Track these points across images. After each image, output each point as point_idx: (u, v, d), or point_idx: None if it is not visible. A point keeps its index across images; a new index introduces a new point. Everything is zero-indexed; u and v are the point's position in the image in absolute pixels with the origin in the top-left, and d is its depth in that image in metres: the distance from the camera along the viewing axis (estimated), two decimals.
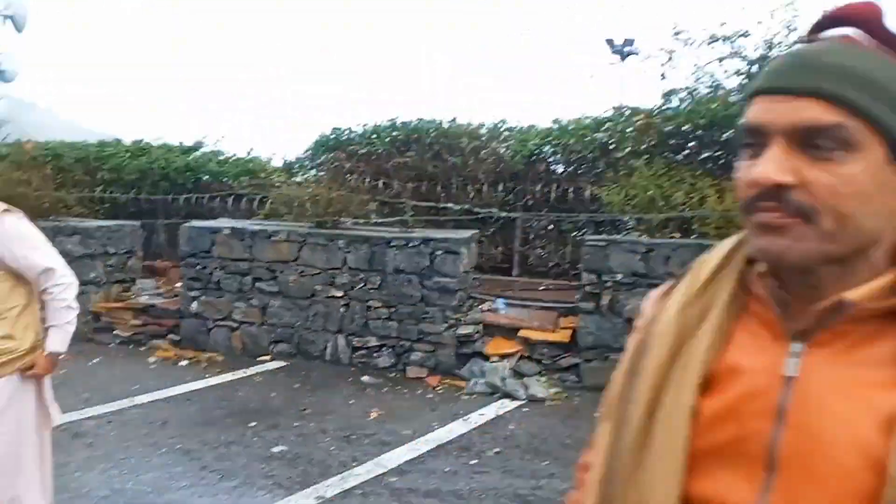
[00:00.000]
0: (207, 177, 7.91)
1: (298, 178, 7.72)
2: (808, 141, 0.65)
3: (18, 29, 10.09)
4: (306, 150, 7.82)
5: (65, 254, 7.21)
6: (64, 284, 2.59)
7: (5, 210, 2.52)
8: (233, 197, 7.56)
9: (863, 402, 0.65)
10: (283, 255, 6.01)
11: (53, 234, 6.89)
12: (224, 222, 6.52)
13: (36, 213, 7.16)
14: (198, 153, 8.36)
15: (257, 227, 6.18)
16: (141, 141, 8.68)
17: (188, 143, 8.60)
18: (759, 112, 0.68)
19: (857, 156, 0.65)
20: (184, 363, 6.01)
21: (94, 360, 6.04)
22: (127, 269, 7.02)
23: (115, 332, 6.55)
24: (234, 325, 6.19)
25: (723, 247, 0.80)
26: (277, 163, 8.13)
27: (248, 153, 8.32)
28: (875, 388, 0.65)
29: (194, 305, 6.30)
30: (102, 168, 7.95)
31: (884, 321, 0.67)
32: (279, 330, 6.06)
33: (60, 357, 2.65)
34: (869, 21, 0.69)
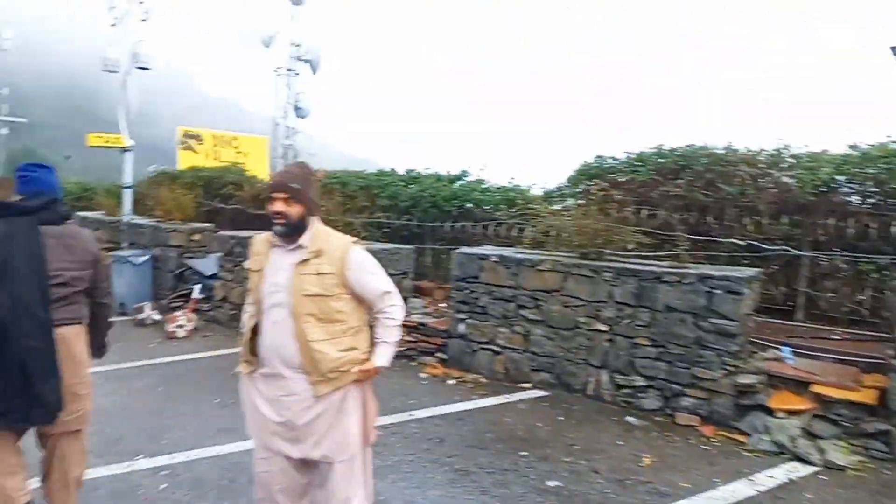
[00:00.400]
0: (471, 204, 8.32)
1: (557, 206, 7.78)
2: None
3: (313, 71, 11.57)
4: (567, 178, 7.86)
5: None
6: (398, 306, 2.88)
7: (354, 242, 2.88)
8: (494, 224, 7.87)
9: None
10: (548, 285, 6.08)
11: None
12: (490, 249, 6.78)
13: None
14: (462, 182, 8.84)
15: (523, 256, 6.32)
16: (413, 170, 9.42)
17: (454, 172, 9.14)
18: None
19: None
20: (451, 381, 6.33)
21: None
22: (402, 289, 7.61)
23: None
24: (498, 349, 6.38)
25: None
26: (537, 191, 8.28)
27: (510, 182, 8.60)
28: None
29: (461, 327, 6.62)
30: (381, 195, 8.74)
31: None
32: (541, 359, 6.12)
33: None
34: None
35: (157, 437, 4.88)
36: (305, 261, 2.79)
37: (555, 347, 6.04)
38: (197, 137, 33.21)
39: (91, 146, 10.20)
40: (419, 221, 8.48)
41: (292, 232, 2.80)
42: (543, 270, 6.11)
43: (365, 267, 2.87)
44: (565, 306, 5.97)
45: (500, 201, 8.15)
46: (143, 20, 9.73)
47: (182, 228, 9.44)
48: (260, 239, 3.02)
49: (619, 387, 5.64)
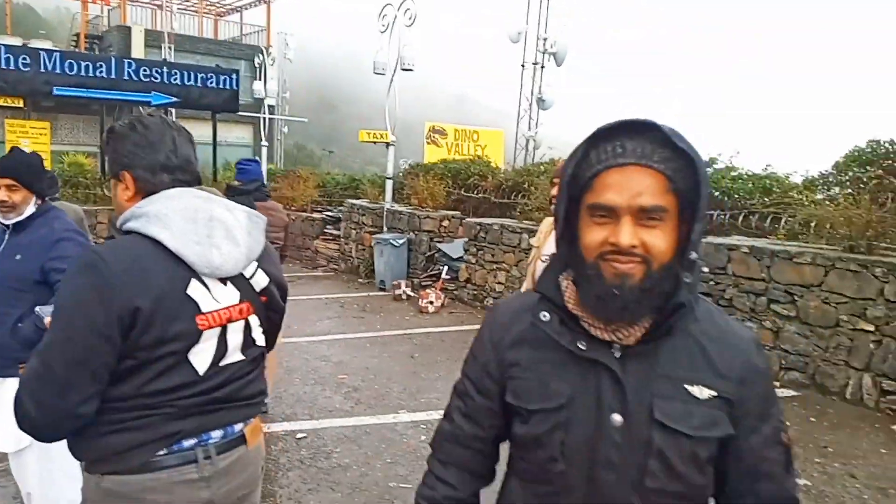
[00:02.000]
0: (720, 193, 7.99)
1: (820, 196, 7.17)
2: None
3: (558, 64, 11.85)
4: (833, 165, 7.20)
5: None
6: None
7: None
8: (743, 214, 7.48)
9: None
10: (806, 279, 5.69)
11: None
12: (740, 240, 6.50)
13: None
14: (710, 170, 8.51)
15: (778, 248, 5.98)
16: None
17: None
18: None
19: None
20: None
21: None
22: None
23: None
24: None
25: None
26: (797, 179, 7.69)
27: (765, 169, 8.09)
28: None
29: None
30: None
31: None
32: (792, 357, 5.76)
33: None
34: None
35: (416, 396, 5.55)
36: None
37: (809, 346, 5.65)
38: (441, 132, 35.44)
39: (362, 141, 11.57)
40: None
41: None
42: (802, 263, 5.73)
43: None
44: (825, 303, 5.55)
45: (752, 190, 7.72)
46: (408, 26, 10.78)
47: (434, 215, 10.34)
48: (546, 221, 3.61)
49: (886, 392, 5.12)
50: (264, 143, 16.23)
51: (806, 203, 6.22)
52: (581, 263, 1.11)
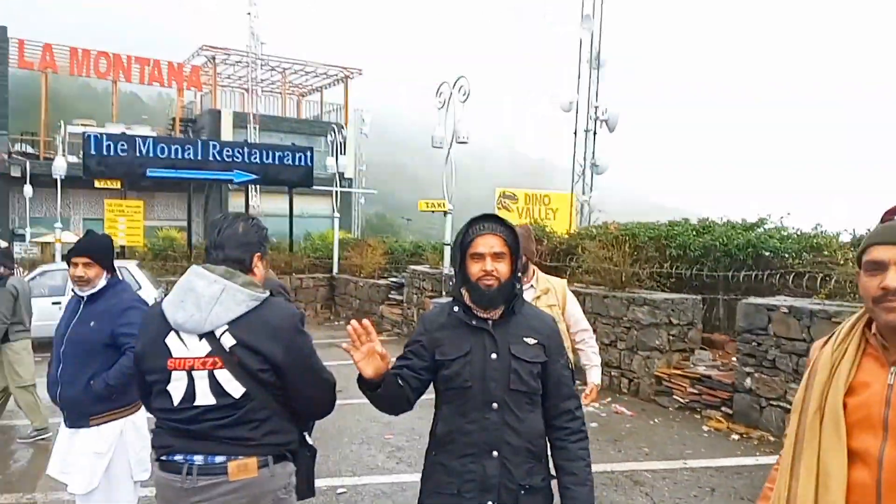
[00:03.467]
0: (768, 253, 7.95)
1: None
2: None
3: (611, 130, 12.15)
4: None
5: (635, 321, 8.12)
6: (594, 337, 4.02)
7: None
8: (793, 274, 7.41)
9: None
10: None
11: (627, 304, 8.06)
12: (781, 300, 6.47)
13: (615, 285, 8.55)
14: (760, 230, 8.49)
15: (817, 307, 5.94)
16: (707, 219, 9.31)
17: (751, 219, 8.81)
18: (880, 253, 1.51)
19: None
20: (735, 437, 6.15)
21: (655, 420, 6.75)
22: (687, 339, 7.63)
23: (673, 397, 7.17)
24: (788, 406, 6.02)
25: (852, 318, 1.65)
26: (847, 237, 7.58)
27: (815, 228, 8.01)
28: None
29: (748, 381, 6.40)
30: (671, 245, 8.83)
31: None
32: None
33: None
34: None
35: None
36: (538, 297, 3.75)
37: None
38: (512, 197, 35.98)
39: (421, 210, 12.15)
40: (710, 271, 8.36)
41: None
42: (840, 323, 5.66)
43: (572, 300, 3.98)
44: None
45: (799, 249, 7.65)
46: (462, 102, 11.41)
47: None
48: (560, 283, 4.08)
49: None
50: (336, 214, 17.10)
51: (842, 262, 6.15)
52: (469, 281, 2.18)
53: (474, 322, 2.19)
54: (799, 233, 8.16)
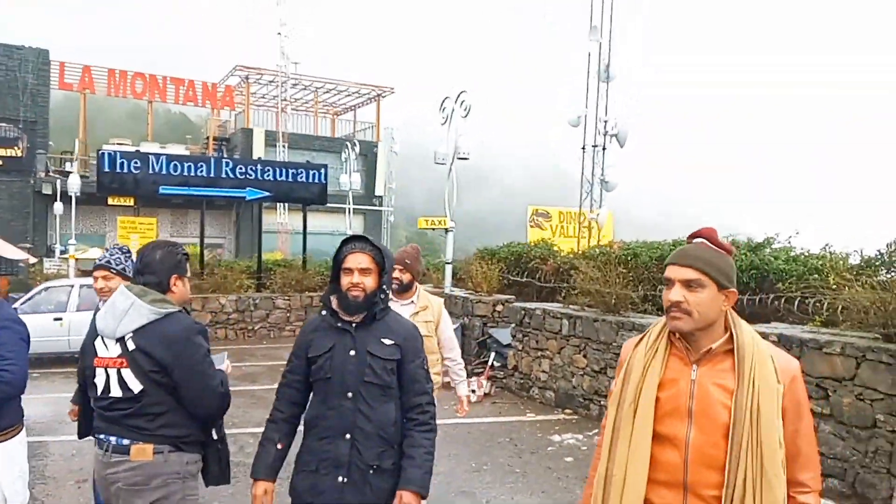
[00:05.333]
0: (773, 276, 7.34)
1: (883, 278, 6.39)
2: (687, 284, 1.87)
3: (621, 144, 11.65)
4: (888, 244, 6.44)
5: (618, 347, 7.57)
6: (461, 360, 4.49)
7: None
8: (798, 299, 6.79)
9: (720, 385, 1.83)
10: (837, 372, 5.03)
11: (617, 329, 7.54)
12: (773, 327, 5.90)
13: (605, 308, 8.03)
14: (766, 251, 7.88)
15: (808, 336, 5.36)
16: None
17: (759, 238, 8.21)
18: (669, 272, 1.92)
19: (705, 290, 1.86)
20: None
21: None
22: None
23: None
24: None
25: (662, 319, 1.98)
26: (856, 259, 6.93)
27: (824, 248, 7.37)
28: (724, 379, 1.84)
29: None
30: None
31: (725, 354, 1.87)
32: (829, 461, 5.03)
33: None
34: (709, 236, 1.94)
35: None
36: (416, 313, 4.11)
37: (847, 449, 4.92)
38: (545, 215, 35.45)
39: (420, 228, 11.84)
40: None
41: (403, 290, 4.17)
42: (832, 354, 5.09)
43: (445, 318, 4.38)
44: (859, 399, 4.86)
45: (805, 272, 7.03)
46: (463, 117, 11.10)
47: (486, 300, 10.22)
48: (437, 301, 4.43)
49: None
50: (349, 231, 16.88)
51: (834, 286, 5.56)
52: (340, 290, 2.57)
53: (339, 324, 2.58)
54: (807, 253, 7.53)
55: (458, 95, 11.17)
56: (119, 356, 2.62)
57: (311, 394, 2.63)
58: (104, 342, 2.67)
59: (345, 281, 2.53)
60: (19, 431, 3.38)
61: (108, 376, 2.65)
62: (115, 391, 2.63)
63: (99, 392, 2.67)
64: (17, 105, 25.93)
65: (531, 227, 33.46)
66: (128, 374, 2.60)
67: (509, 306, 9.63)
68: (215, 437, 2.80)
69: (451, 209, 11.43)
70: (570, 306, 8.67)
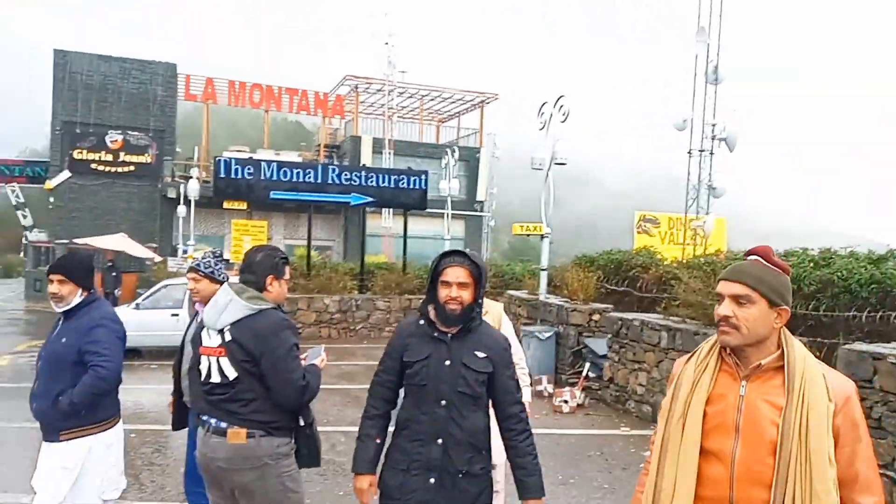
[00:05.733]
0: None
1: None
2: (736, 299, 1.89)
3: (730, 149, 11.06)
4: None
5: None
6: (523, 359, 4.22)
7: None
8: None
9: (769, 402, 1.83)
10: None
11: None
12: (892, 347, 5.38)
13: (707, 321, 7.61)
14: (890, 263, 7.20)
15: None
16: (829, 249, 8.09)
17: (881, 250, 7.52)
18: (721, 287, 1.94)
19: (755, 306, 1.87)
20: None
21: None
22: None
23: None
24: (894, 474, 4.95)
25: (711, 339, 2.00)
26: None
27: None
28: (774, 396, 1.84)
29: None
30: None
31: (776, 370, 1.88)
32: None
33: None
34: (764, 254, 1.94)
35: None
36: None
37: None
38: (654, 221, 34.25)
39: (515, 234, 11.71)
40: (827, 310, 7.20)
41: None
42: None
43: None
44: None
45: None
46: (562, 122, 10.92)
47: (582, 308, 9.98)
48: (496, 305, 4.22)
49: None
50: (447, 236, 17.06)
51: None
52: (437, 301, 2.65)
53: (436, 334, 2.68)
54: None
55: (557, 100, 10.99)
56: (219, 346, 2.91)
57: (403, 394, 2.74)
58: (208, 333, 2.97)
59: (443, 293, 2.63)
60: (116, 423, 3.62)
61: (209, 364, 2.94)
62: (215, 377, 2.91)
63: (203, 377, 2.97)
64: (148, 115, 28.11)
65: (638, 233, 32.41)
66: (225, 363, 2.89)
67: (606, 316, 9.35)
68: (302, 423, 3.02)
69: (547, 215, 11.25)
70: (671, 318, 8.31)
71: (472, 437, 2.62)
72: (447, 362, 2.62)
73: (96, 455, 3.51)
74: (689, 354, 2.05)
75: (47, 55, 27.79)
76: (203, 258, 4.01)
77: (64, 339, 3.50)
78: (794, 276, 7.74)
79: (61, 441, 3.44)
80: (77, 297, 3.55)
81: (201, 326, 3.05)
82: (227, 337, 2.88)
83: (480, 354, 2.65)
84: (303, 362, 3.07)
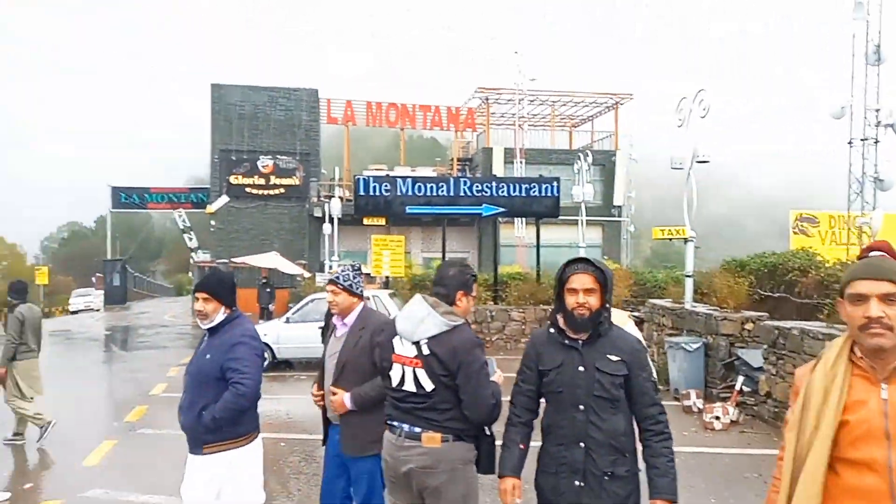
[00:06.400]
0: None
1: None
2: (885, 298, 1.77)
3: None
4: None
5: None
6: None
7: (629, 316, 3.84)
8: None
9: None
10: None
11: None
12: None
13: None
14: None
15: None
16: None
17: None
18: (862, 287, 1.82)
19: None
20: None
21: None
22: None
23: None
24: None
25: (838, 340, 1.93)
26: None
27: None
28: None
29: None
30: None
31: None
32: None
33: None
34: (889, 249, 1.92)
35: None
36: None
37: None
38: (812, 220, 31.50)
39: (655, 239, 11.15)
40: None
41: None
42: None
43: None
44: None
45: None
46: (702, 117, 10.29)
47: (733, 317, 9.27)
48: (622, 314, 4.16)
49: None
50: (582, 244, 16.61)
51: None
52: (565, 309, 2.71)
53: (567, 341, 2.74)
54: None
55: (696, 94, 10.37)
56: (415, 357, 3.02)
57: (545, 401, 2.84)
58: (402, 342, 3.08)
59: (570, 300, 2.69)
60: (255, 437, 3.72)
61: (403, 372, 3.06)
62: (409, 386, 3.04)
63: (394, 384, 3.10)
64: (295, 140, 29.98)
65: (794, 233, 29.97)
66: (421, 374, 3.00)
67: (760, 325, 8.63)
68: (488, 432, 3.14)
69: (690, 217, 10.61)
70: (835, 326, 7.50)
71: (613, 439, 2.67)
72: (581, 368, 2.69)
73: (238, 468, 3.63)
74: (814, 362, 1.96)
75: (203, 89, 30.46)
76: (342, 271, 4.02)
77: (208, 356, 3.65)
78: None
79: (205, 454, 3.58)
80: (220, 315, 3.70)
81: (393, 334, 3.15)
82: (425, 350, 2.99)
83: (614, 358, 2.69)
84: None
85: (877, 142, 9.91)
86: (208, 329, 3.73)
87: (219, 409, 3.49)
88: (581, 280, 2.68)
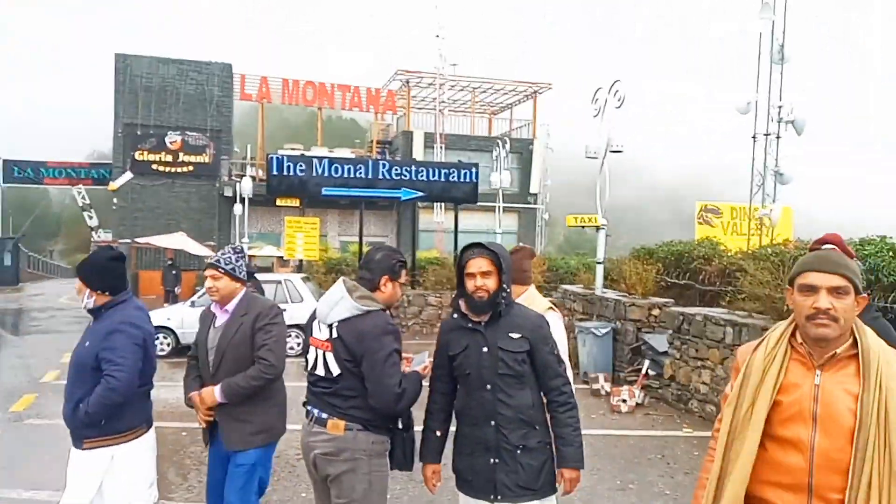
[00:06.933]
0: None
1: None
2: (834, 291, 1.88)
3: (798, 132, 10.41)
4: None
5: None
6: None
7: (549, 308, 3.83)
8: None
9: (845, 390, 1.86)
10: None
11: None
12: None
13: (777, 316, 7.12)
14: None
15: None
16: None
17: None
18: (813, 278, 1.91)
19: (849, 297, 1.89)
20: None
21: None
22: None
23: None
24: None
25: (781, 324, 2.04)
26: None
27: None
28: (849, 384, 1.86)
29: None
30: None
31: (849, 359, 1.90)
32: None
33: None
34: (839, 242, 2.75)
35: None
36: None
37: None
38: (715, 211, 33.02)
39: (569, 226, 11.33)
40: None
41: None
42: None
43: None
44: None
45: None
46: (616, 108, 10.48)
47: (641, 303, 9.54)
48: (539, 299, 4.02)
49: None
50: (499, 230, 16.73)
51: None
52: (466, 294, 2.81)
53: (469, 325, 2.85)
54: None
55: (612, 85, 10.55)
56: (327, 340, 2.98)
57: (459, 385, 2.94)
58: (318, 325, 3.04)
59: (469, 284, 2.80)
60: (142, 434, 3.41)
61: (317, 355, 3.03)
62: (320, 370, 3.01)
63: (309, 367, 3.08)
64: (205, 116, 28.70)
65: (699, 223, 31.31)
66: (330, 358, 2.96)
67: (666, 311, 8.92)
68: (400, 426, 3.08)
69: (602, 206, 10.84)
70: (736, 312, 7.84)
71: (521, 413, 2.78)
72: (485, 349, 2.80)
73: (120, 465, 3.31)
74: (757, 343, 2.07)
75: (108, 58, 28.70)
76: (222, 254, 3.67)
77: (87, 343, 3.32)
78: (872, 266, 7.18)
79: (85, 449, 3.29)
80: (91, 300, 3.38)
81: (313, 317, 3.09)
82: (335, 334, 2.94)
83: (515, 335, 2.79)
84: (407, 367, 3.11)
85: (778, 137, 10.43)
86: (91, 313, 3.43)
87: (91, 404, 3.19)
88: (478, 264, 2.79)
